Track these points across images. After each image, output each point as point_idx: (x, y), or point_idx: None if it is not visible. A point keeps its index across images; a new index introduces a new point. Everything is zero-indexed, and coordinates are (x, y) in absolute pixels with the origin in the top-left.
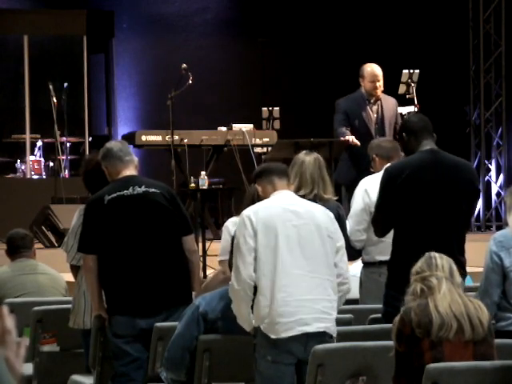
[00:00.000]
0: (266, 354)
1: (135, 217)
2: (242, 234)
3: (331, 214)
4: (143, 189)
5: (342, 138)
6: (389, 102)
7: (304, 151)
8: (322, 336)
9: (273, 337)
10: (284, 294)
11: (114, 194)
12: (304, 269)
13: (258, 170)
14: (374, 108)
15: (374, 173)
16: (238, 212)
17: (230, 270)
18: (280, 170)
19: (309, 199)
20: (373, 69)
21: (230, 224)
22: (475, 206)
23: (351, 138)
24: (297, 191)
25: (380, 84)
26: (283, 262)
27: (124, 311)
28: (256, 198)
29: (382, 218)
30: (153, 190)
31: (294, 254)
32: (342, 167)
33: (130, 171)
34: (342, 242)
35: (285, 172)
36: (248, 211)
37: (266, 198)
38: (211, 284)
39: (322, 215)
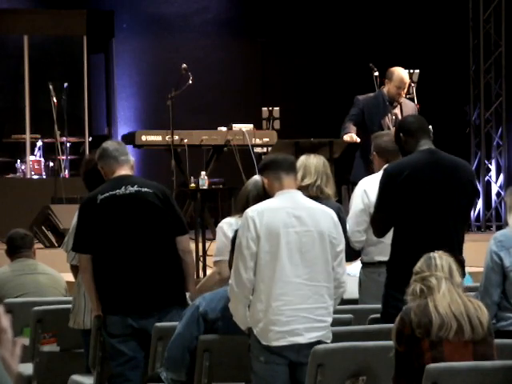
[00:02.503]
0: (258, 355)
1: (127, 216)
2: (244, 236)
3: (335, 217)
4: (135, 188)
5: (343, 136)
6: (408, 106)
7: (310, 154)
8: (315, 345)
9: (264, 343)
10: (280, 302)
11: (107, 194)
12: (302, 277)
13: (265, 162)
14: (394, 111)
15: (373, 171)
16: (232, 213)
17: (230, 270)
18: (288, 163)
19: (312, 191)
20: (402, 75)
21: (225, 225)
22: (473, 206)
23: (349, 137)
24: (301, 181)
25: (405, 91)
26: (282, 269)
27: (116, 310)
28: (251, 200)
29: (381, 217)
30: (145, 189)
31: (293, 261)
32: (356, 166)
33: (125, 171)
34: (342, 247)
35: (292, 166)
36: (252, 212)
37: (271, 191)
38: (206, 284)
39: (326, 219)
